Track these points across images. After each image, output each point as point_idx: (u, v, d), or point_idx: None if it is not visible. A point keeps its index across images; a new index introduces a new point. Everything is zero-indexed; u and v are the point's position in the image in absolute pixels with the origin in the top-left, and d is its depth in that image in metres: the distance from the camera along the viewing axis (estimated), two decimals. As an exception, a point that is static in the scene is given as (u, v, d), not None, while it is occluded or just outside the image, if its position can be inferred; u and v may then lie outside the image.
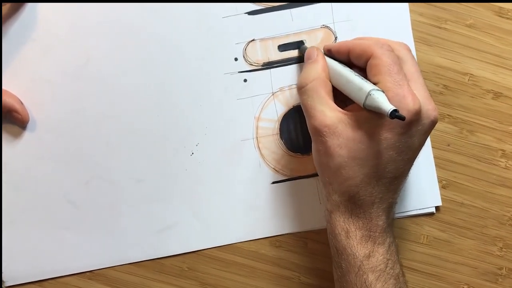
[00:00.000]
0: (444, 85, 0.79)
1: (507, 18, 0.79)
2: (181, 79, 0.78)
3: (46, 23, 0.77)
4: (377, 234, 0.67)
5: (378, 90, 0.61)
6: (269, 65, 0.78)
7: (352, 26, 0.78)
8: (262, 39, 0.77)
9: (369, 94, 0.61)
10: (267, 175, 0.79)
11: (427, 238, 0.80)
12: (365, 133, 0.63)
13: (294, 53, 0.78)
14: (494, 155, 0.79)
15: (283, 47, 0.78)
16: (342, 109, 0.67)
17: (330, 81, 0.69)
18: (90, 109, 0.77)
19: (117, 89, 0.77)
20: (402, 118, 0.58)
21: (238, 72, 0.78)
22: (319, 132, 0.66)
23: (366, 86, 0.62)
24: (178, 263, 0.79)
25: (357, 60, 0.68)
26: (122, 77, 0.77)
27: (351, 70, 0.68)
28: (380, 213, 0.66)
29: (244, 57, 0.77)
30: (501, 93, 0.79)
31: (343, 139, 0.64)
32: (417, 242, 0.80)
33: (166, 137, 0.78)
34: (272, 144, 0.78)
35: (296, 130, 0.78)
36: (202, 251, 0.79)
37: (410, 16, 0.78)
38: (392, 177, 0.66)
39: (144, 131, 0.78)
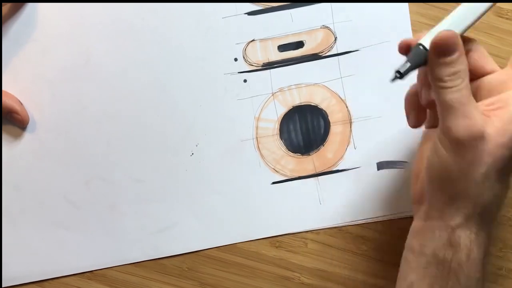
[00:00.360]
0: (444, 85, 0.79)
1: (507, 18, 0.79)
2: (181, 79, 0.78)
3: (46, 23, 0.77)
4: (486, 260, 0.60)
5: None
6: (269, 66, 0.78)
7: (352, 26, 0.78)
8: (262, 40, 0.78)
9: None
10: (267, 175, 0.78)
11: (427, 238, 0.80)
12: (510, 138, 0.56)
13: (294, 53, 0.78)
14: (494, 155, 0.79)
15: (283, 48, 0.78)
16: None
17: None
18: (90, 109, 0.78)
19: (117, 89, 0.78)
20: None
21: (238, 72, 0.78)
22: (472, 137, 0.55)
23: None
24: (178, 263, 0.79)
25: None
26: (122, 77, 0.78)
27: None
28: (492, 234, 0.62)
29: (244, 57, 0.78)
30: (501, 93, 0.79)
31: (491, 145, 0.56)
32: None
33: (166, 137, 0.78)
34: (272, 144, 0.78)
35: (296, 130, 0.78)
36: (202, 251, 0.79)
37: (410, 17, 0.78)
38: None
39: (144, 131, 0.78)
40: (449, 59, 0.56)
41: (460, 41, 0.57)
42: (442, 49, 0.57)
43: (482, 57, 0.62)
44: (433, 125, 0.65)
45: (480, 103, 0.59)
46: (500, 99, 0.58)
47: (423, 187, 0.62)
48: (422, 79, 0.63)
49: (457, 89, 0.56)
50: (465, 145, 0.56)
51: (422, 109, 0.66)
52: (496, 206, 0.60)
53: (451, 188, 0.58)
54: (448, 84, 0.56)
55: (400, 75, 0.60)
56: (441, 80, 0.57)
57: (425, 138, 0.67)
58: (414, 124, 0.67)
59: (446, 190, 0.59)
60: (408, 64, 0.59)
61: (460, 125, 0.55)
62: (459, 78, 0.56)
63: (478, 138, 0.55)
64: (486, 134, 0.55)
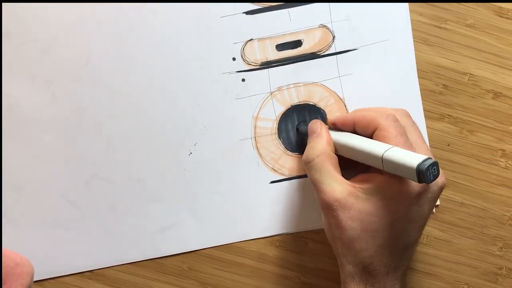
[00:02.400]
0: (444, 85, 0.79)
1: (507, 18, 0.78)
2: (179, 78, 0.78)
3: (46, 23, 0.77)
4: None
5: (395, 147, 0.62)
6: (267, 65, 0.78)
7: (350, 25, 0.78)
8: (260, 39, 0.78)
9: (387, 150, 0.61)
10: (266, 174, 0.79)
11: (427, 238, 0.79)
12: (376, 205, 0.64)
13: (292, 52, 0.78)
14: (494, 155, 0.79)
15: (281, 47, 0.78)
16: (348, 180, 0.67)
17: (337, 153, 0.70)
18: (90, 109, 0.78)
19: (116, 89, 0.78)
20: (428, 181, 0.58)
21: (236, 71, 0.78)
22: (329, 206, 0.65)
23: (383, 145, 0.63)
24: (178, 263, 0.79)
25: (363, 132, 0.69)
26: (121, 77, 0.78)
27: (359, 136, 0.69)
28: (395, 282, 0.67)
29: (242, 56, 0.78)
30: (501, 93, 0.79)
31: (354, 211, 0.64)
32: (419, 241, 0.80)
33: (165, 137, 0.78)
34: (271, 143, 0.78)
35: (294, 129, 0.78)
36: (202, 251, 0.79)
37: (410, 16, 0.78)
38: (404, 246, 0.66)
39: (142, 131, 0.78)
40: (309, 139, 0.72)
41: (318, 126, 0.72)
42: (308, 133, 0.73)
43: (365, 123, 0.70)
44: None
45: (356, 176, 0.68)
46: (368, 175, 0.67)
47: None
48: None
49: (311, 166, 0.69)
50: (326, 213, 0.67)
51: None
52: (381, 263, 0.66)
53: (333, 248, 0.69)
54: (305, 161, 0.70)
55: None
56: (303, 158, 0.71)
57: None
58: None
59: (334, 250, 0.70)
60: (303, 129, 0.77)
61: (319, 198, 0.67)
62: (312, 155, 0.69)
63: (335, 208, 0.65)
64: (347, 203, 0.64)
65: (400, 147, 0.63)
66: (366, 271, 0.65)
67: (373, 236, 0.64)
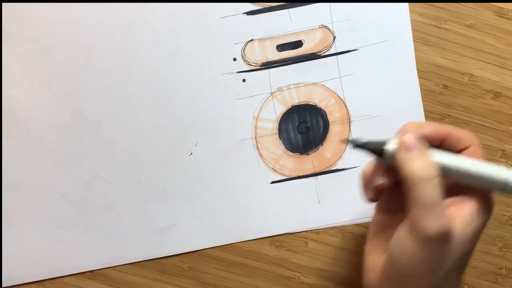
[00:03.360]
0: (444, 85, 0.79)
1: (507, 18, 0.79)
2: (180, 79, 0.78)
3: (46, 23, 0.77)
4: None
5: None
6: (267, 65, 0.78)
7: (351, 25, 0.78)
8: (260, 39, 0.78)
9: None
10: (266, 175, 0.78)
11: (427, 238, 0.80)
12: (473, 233, 0.58)
13: (292, 53, 0.78)
14: (494, 155, 0.79)
15: (281, 47, 0.78)
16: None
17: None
18: (90, 109, 0.78)
19: (116, 89, 0.78)
20: None
21: (237, 72, 0.78)
22: (442, 236, 0.55)
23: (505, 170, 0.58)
24: (178, 262, 0.79)
25: (452, 147, 0.62)
26: (121, 77, 0.78)
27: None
28: None
29: (242, 57, 0.78)
30: (501, 93, 0.79)
31: (456, 243, 0.56)
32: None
33: (165, 137, 0.78)
34: (271, 144, 0.78)
35: (295, 130, 0.78)
36: (203, 250, 0.79)
37: (410, 16, 0.78)
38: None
39: (143, 131, 0.78)
40: (418, 152, 0.58)
41: (419, 142, 0.58)
42: (409, 145, 0.58)
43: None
44: (384, 209, 0.66)
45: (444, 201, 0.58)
46: (460, 200, 0.59)
47: (376, 280, 0.63)
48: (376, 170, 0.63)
49: (432, 185, 0.56)
50: (435, 243, 0.56)
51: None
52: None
53: (412, 284, 0.59)
54: (422, 178, 0.56)
55: (352, 143, 0.62)
56: (414, 173, 0.57)
57: (374, 233, 0.66)
58: (372, 199, 0.65)
59: (406, 285, 0.59)
60: (364, 141, 0.61)
61: (434, 223, 0.55)
62: (433, 172, 0.56)
63: (448, 236, 0.55)
64: (453, 233, 0.55)
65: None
66: None
67: (458, 267, 0.61)
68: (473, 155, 0.59)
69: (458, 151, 0.60)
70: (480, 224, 0.58)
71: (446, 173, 0.59)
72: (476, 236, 0.58)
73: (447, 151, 0.60)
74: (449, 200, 0.59)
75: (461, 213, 0.57)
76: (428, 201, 0.55)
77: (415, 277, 0.58)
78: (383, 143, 0.60)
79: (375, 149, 0.60)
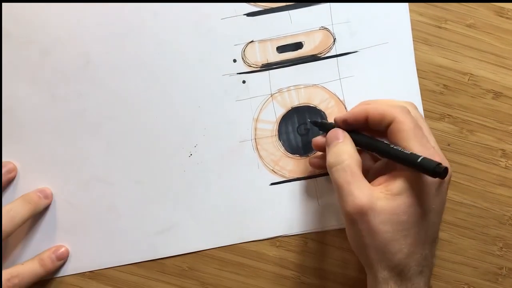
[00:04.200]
0: (444, 85, 0.78)
1: (507, 18, 0.78)
2: (180, 80, 0.78)
3: (46, 24, 0.77)
4: None
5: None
6: (267, 67, 0.78)
7: (351, 27, 0.78)
8: (260, 41, 0.78)
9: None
10: (266, 176, 0.79)
11: (427, 238, 0.80)
12: (404, 204, 0.63)
13: (292, 54, 0.78)
14: (494, 155, 0.79)
15: (281, 49, 0.78)
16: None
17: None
18: (90, 110, 0.78)
19: (116, 90, 0.78)
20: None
21: (237, 73, 0.78)
22: (360, 211, 0.63)
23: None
24: (178, 263, 0.79)
25: (376, 125, 0.68)
26: (121, 79, 0.78)
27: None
28: (426, 281, 0.67)
29: (242, 58, 0.78)
30: (501, 93, 0.79)
31: (385, 214, 0.63)
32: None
33: (165, 138, 0.78)
34: (271, 145, 0.78)
35: (295, 131, 0.78)
36: (203, 251, 0.79)
37: (410, 16, 0.78)
38: (433, 239, 0.66)
39: (142, 133, 0.78)
40: (331, 146, 0.69)
41: (339, 133, 0.70)
42: (328, 141, 0.70)
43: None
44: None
45: (376, 180, 0.67)
46: (390, 177, 0.66)
47: None
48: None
49: (341, 168, 0.66)
50: (356, 220, 0.64)
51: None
52: (414, 262, 0.65)
53: (363, 258, 0.67)
54: (333, 165, 0.67)
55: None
56: (328, 162, 0.68)
57: None
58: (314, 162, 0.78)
59: (362, 260, 0.68)
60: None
61: (348, 203, 0.64)
62: (340, 158, 0.66)
63: (365, 213, 0.62)
64: (377, 206, 0.62)
65: (419, 140, 0.64)
66: (401, 274, 0.65)
67: (405, 236, 0.63)
68: (394, 131, 0.65)
69: (385, 128, 0.67)
70: (411, 197, 0.63)
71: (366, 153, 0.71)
72: (411, 208, 0.63)
73: (374, 129, 0.68)
74: (383, 178, 0.66)
75: (388, 188, 0.64)
76: (339, 184, 0.65)
77: (359, 250, 0.67)
78: (330, 125, 0.72)
79: (325, 127, 0.73)
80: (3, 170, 0.76)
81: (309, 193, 0.79)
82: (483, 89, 0.79)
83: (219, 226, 0.79)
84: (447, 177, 0.64)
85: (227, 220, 0.79)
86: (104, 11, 0.77)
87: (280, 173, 0.78)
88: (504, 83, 0.79)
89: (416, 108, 0.71)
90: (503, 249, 0.80)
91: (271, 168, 0.78)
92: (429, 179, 0.63)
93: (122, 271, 0.79)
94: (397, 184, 0.64)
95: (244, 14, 0.77)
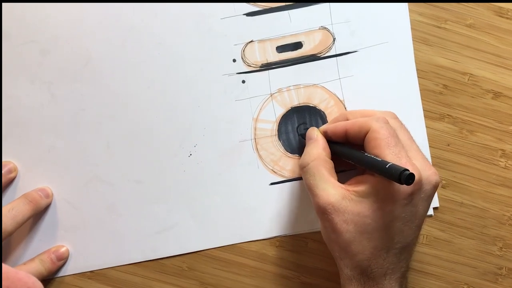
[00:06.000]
0: (444, 85, 0.79)
1: (507, 18, 0.78)
2: (179, 80, 0.78)
3: (46, 24, 0.77)
4: None
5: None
6: (267, 66, 0.78)
7: (350, 27, 0.78)
8: (260, 40, 0.78)
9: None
10: (265, 176, 0.79)
11: (427, 238, 0.80)
12: (370, 207, 0.65)
13: (292, 54, 0.78)
14: (494, 155, 0.79)
15: (281, 49, 0.78)
16: (343, 184, 0.69)
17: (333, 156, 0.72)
18: (90, 110, 0.78)
19: (116, 90, 0.78)
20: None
21: (237, 73, 0.78)
22: (324, 210, 0.66)
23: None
24: (178, 263, 0.79)
25: (355, 138, 0.70)
26: (121, 78, 0.78)
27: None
28: (393, 284, 0.67)
29: (242, 58, 0.78)
30: (501, 93, 0.79)
31: (349, 214, 0.65)
32: (417, 242, 0.80)
33: (165, 138, 0.78)
34: (270, 145, 0.78)
35: (294, 131, 0.78)
36: (202, 251, 0.79)
37: (410, 16, 0.78)
38: (401, 247, 0.67)
39: (142, 132, 0.78)
40: (306, 147, 0.74)
41: (314, 133, 0.74)
42: (306, 139, 0.75)
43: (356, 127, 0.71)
44: None
45: (348, 181, 0.70)
46: (359, 178, 0.68)
47: None
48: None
49: (307, 170, 0.70)
50: (321, 217, 0.68)
51: None
52: (377, 265, 0.67)
53: (331, 252, 0.70)
54: (301, 166, 0.72)
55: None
56: (299, 162, 0.72)
57: None
58: None
59: (332, 254, 0.71)
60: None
61: (314, 202, 0.68)
62: (307, 160, 0.71)
63: (329, 211, 0.66)
64: (341, 206, 0.65)
65: (391, 149, 0.65)
66: (364, 274, 0.66)
67: (369, 238, 0.65)
68: (368, 140, 0.67)
69: (362, 137, 0.69)
70: (377, 202, 0.65)
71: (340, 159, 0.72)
72: (376, 213, 0.65)
73: (356, 142, 0.70)
74: (354, 179, 0.69)
75: (356, 190, 0.66)
76: (306, 183, 0.70)
77: (329, 244, 0.70)
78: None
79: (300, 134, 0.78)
80: (4, 170, 0.76)
81: (309, 193, 0.78)
82: (483, 89, 0.79)
83: (219, 226, 0.79)
84: (429, 186, 0.66)
85: (227, 220, 0.79)
86: (104, 11, 0.77)
87: (280, 173, 0.79)
88: (504, 83, 0.79)
89: (395, 117, 0.72)
90: (503, 249, 0.80)
91: (271, 168, 0.78)
92: (400, 187, 0.63)
93: (121, 271, 0.79)
94: (365, 187, 0.65)
95: (244, 14, 0.77)
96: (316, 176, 0.68)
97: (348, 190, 0.66)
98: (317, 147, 0.72)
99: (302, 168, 0.71)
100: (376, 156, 0.65)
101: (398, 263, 0.67)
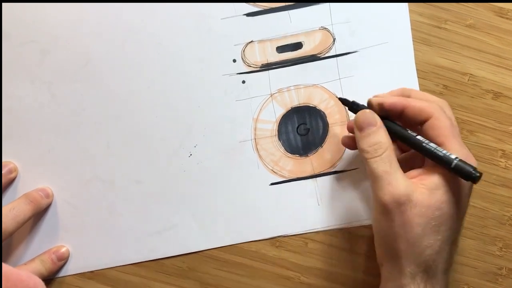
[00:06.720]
0: (444, 85, 0.78)
1: (507, 18, 0.78)
2: (179, 80, 0.78)
3: (46, 24, 0.77)
4: None
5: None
6: (267, 67, 0.78)
7: (351, 27, 0.78)
8: (260, 41, 0.78)
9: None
10: (265, 176, 0.78)
11: (426, 238, 0.80)
12: (439, 200, 0.63)
13: (292, 54, 0.78)
14: (494, 155, 0.79)
15: (281, 49, 0.78)
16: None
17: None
18: (90, 110, 0.78)
19: (116, 90, 0.78)
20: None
21: (237, 73, 0.78)
22: (397, 201, 0.63)
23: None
24: (178, 263, 0.79)
25: (411, 119, 0.68)
26: (121, 79, 0.78)
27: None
28: (447, 280, 0.67)
29: (242, 58, 0.78)
30: (501, 93, 0.79)
31: (421, 207, 0.63)
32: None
33: (165, 138, 0.78)
34: (270, 145, 0.78)
35: (294, 131, 0.78)
36: (202, 251, 0.79)
37: (410, 16, 0.78)
38: (455, 238, 0.67)
39: (143, 132, 0.78)
40: (366, 132, 0.67)
41: (376, 118, 0.68)
42: (361, 125, 0.68)
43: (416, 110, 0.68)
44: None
45: (409, 172, 0.67)
46: (426, 170, 0.66)
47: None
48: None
49: (380, 159, 0.65)
50: (392, 210, 0.64)
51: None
52: (441, 259, 0.65)
53: (390, 250, 0.66)
54: (370, 154, 0.66)
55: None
56: (364, 150, 0.67)
57: None
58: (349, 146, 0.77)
59: (388, 252, 0.67)
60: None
61: (385, 192, 0.64)
62: (380, 148, 0.66)
63: (402, 203, 0.63)
64: (414, 198, 0.63)
65: (457, 138, 0.65)
66: (429, 270, 0.65)
67: (436, 232, 0.64)
68: (431, 128, 0.66)
69: (420, 122, 0.67)
70: (446, 194, 0.63)
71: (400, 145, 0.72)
72: (445, 205, 0.63)
73: (407, 121, 0.68)
74: (417, 171, 0.67)
75: (424, 182, 0.64)
76: (376, 173, 0.65)
77: (388, 244, 0.66)
78: (362, 106, 0.71)
79: (354, 109, 0.71)
80: (4, 171, 0.76)
81: (309, 193, 0.79)
82: (483, 90, 0.79)
83: (219, 226, 0.79)
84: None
85: (227, 220, 0.79)
86: (104, 11, 0.77)
87: (280, 173, 0.78)
88: (504, 83, 0.79)
89: (449, 107, 0.71)
90: (503, 249, 0.79)
91: (271, 168, 0.78)
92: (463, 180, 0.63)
93: (121, 271, 0.79)
94: (434, 180, 0.64)
95: (244, 14, 0.77)
96: (392, 165, 0.65)
97: (417, 183, 0.65)
98: (386, 133, 0.67)
99: (373, 156, 0.66)
100: (438, 145, 0.64)
101: (453, 256, 0.69)
